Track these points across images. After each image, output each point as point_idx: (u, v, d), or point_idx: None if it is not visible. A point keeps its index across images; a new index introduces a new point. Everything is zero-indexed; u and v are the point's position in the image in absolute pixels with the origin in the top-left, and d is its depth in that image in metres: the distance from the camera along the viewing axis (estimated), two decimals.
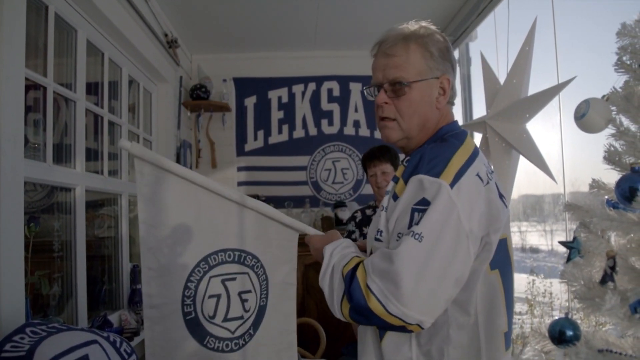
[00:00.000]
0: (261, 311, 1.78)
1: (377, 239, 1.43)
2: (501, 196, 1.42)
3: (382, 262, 1.27)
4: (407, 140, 1.55)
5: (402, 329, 1.27)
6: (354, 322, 1.36)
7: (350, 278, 1.31)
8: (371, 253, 1.45)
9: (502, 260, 1.40)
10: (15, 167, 1.89)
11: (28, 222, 2.10)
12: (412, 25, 1.56)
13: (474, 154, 1.41)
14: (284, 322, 1.87)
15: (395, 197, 1.38)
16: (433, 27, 1.58)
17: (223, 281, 1.64)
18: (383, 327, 1.34)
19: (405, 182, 1.35)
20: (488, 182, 1.37)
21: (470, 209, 1.29)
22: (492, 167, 1.54)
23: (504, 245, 1.41)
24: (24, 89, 1.99)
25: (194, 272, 1.55)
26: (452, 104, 1.61)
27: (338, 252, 1.45)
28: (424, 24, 1.58)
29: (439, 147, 1.40)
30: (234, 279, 1.65)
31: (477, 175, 1.35)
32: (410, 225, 1.28)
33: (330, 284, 1.38)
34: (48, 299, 2.51)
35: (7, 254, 1.81)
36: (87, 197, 2.80)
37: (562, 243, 1.53)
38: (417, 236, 1.24)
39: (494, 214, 1.35)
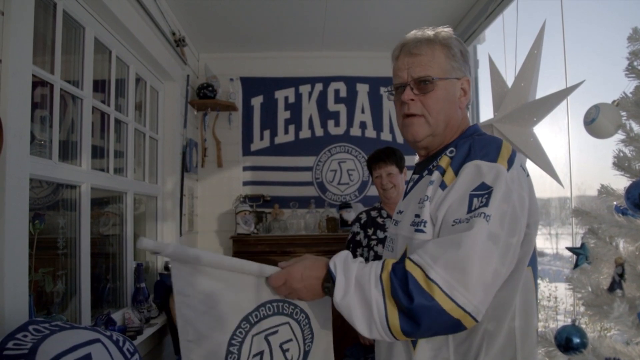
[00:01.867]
0: (306, 356, 1.69)
1: (418, 230, 1.38)
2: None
3: (445, 250, 1.22)
4: (432, 138, 1.55)
5: (457, 327, 1.22)
6: (403, 338, 1.25)
7: (402, 279, 1.22)
8: (405, 250, 1.41)
9: (534, 257, 1.41)
10: (21, 163, 1.89)
11: (33, 219, 2.10)
12: (432, 30, 1.61)
13: (515, 150, 1.43)
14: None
15: (443, 187, 1.36)
16: (453, 33, 1.62)
17: (266, 337, 1.55)
18: (435, 331, 1.26)
19: (456, 171, 1.36)
20: (528, 175, 1.43)
21: (520, 194, 1.32)
22: None
23: (532, 240, 1.41)
24: (31, 85, 1.99)
25: (235, 335, 1.47)
26: (468, 108, 1.64)
27: (351, 264, 1.32)
28: (444, 28, 1.63)
29: (484, 137, 1.45)
30: (276, 332, 1.57)
31: (521, 166, 1.39)
32: (470, 210, 1.26)
33: (362, 300, 1.25)
34: (52, 297, 2.50)
35: (11, 251, 1.80)
36: (93, 194, 2.80)
37: (569, 249, 1.51)
38: (487, 218, 1.23)
39: (534, 206, 1.38)
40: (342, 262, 1.32)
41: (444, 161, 1.42)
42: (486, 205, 1.24)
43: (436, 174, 1.41)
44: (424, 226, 1.36)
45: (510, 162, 1.33)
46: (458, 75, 1.54)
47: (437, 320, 1.19)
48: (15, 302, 1.82)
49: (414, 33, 1.63)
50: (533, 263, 1.40)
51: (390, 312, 1.21)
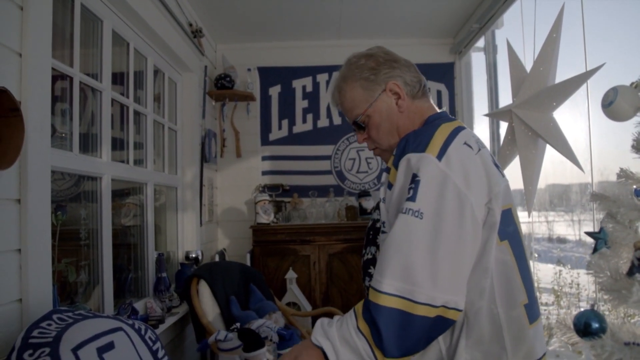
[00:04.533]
0: None
1: (383, 232, 1.42)
2: (497, 165, 1.43)
3: (384, 257, 1.26)
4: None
5: (442, 324, 1.25)
6: (407, 358, 1.27)
7: (372, 322, 1.24)
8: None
9: (511, 231, 1.38)
10: (43, 156, 1.92)
11: (55, 210, 2.13)
12: (343, 66, 1.66)
13: (459, 128, 1.42)
14: None
15: (390, 186, 1.39)
16: (361, 52, 1.65)
17: None
18: (426, 338, 1.27)
19: (397, 168, 1.37)
20: (479, 150, 1.38)
21: (466, 174, 1.28)
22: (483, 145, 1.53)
23: (509, 215, 1.39)
24: (50, 79, 2.01)
25: None
26: (422, 94, 1.61)
27: (328, 328, 1.33)
28: (352, 56, 1.66)
29: (421, 129, 1.46)
30: None
31: (466, 143, 1.36)
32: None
33: (352, 352, 1.27)
34: (75, 287, 2.55)
35: (35, 242, 1.84)
36: (113, 186, 2.83)
37: (588, 234, 1.50)
38: (415, 213, 1.24)
39: (492, 179, 1.34)
40: (322, 332, 1.33)
41: (390, 160, 1.44)
42: (412, 198, 1.26)
43: (384, 175, 1.45)
44: (384, 227, 1.41)
45: (446, 145, 1.31)
46: (381, 89, 1.56)
47: (418, 328, 1.22)
48: (39, 292, 1.86)
49: (331, 81, 1.73)
50: (510, 237, 1.37)
51: (378, 354, 1.24)
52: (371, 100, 1.55)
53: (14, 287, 1.77)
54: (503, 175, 1.43)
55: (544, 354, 1.41)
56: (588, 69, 2.65)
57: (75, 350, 1.63)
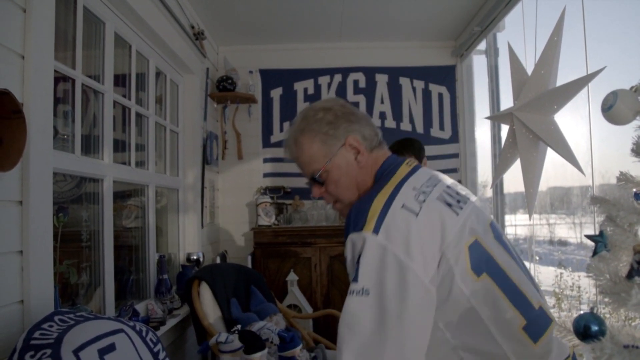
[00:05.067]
0: None
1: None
2: (450, 204, 1.40)
3: (341, 341, 1.27)
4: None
5: None
6: None
7: None
8: None
9: (484, 260, 1.36)
10: (45, 158, 1.93)
11: (57, 212, 2.14)
12: (298, 118, 1.64)
13: (398, 185, 1.41)
14: None
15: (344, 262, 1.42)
16: (318, 105, 1.64)
17: None
18: None
19: (345, 244, 1.39)
20: (422, 206, 1.34)
21: (406, 241, 1.27)
22: (438, 179, 1.51)
23: (477, 247, 1.36)
24: (53, 81, 2.02)
25: None
26: (379, 145, 1.62)
27: None
28: (308, 108, 1.65)
29: (360, 201, 1.43)
30: None
31: (404, 207, 1.33)
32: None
33: None
34: (76, 288, 2.55)
35: (36, 243, 1.84)
36: (115, 187, 2.84)
37: (588, 237, 1.51)
38: (360, 292, 1.26)
39: (443, 230, 1.32)
40: None
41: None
42: (355, 279, 1.28)
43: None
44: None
45: (382, 217, 1.30)
46: (340, 143, 1.55)
47: None
48: (40, 294, 1.86)
49: (286, 132, 1.66)
50: (486, 267, 1.35)
51: None
52: (330, 156, 1.54)
53: (16, 289, 1.78)
54: (457, 214, 1.39)
55: (568, 357, 1.42)
56: (589, 72, 2.66)
57: (76, 351, 1.63)
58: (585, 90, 2.73)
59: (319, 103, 1.65)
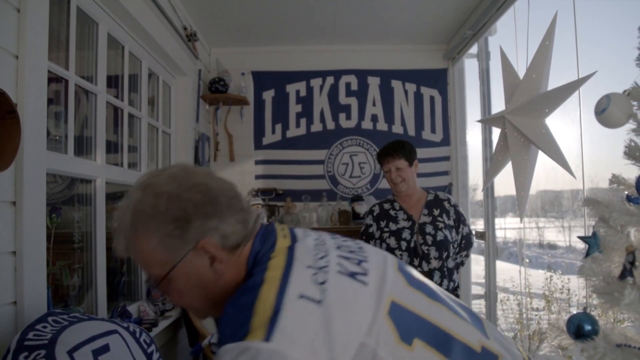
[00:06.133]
0: None
1: None
2: (354, 274, 1.10)
3: None
4: (214, 313, 1.23)
5: None
6: None
7: None
8: None
9: (410, 322, 1.09)
10: (39, 158, 1.92)
11: (50, 213, 2.13)
12: (132, 203, 1.15)
13: (288, 266, 1.07)
14: None
15: None
16: (161, 185, 1.14)
17: None
18: None
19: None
20: (324, 290, 1.02)
21: (312, 344, 0.95)
22: (324, 243, 1.20)
23: (397, 309, 1.08)
24: (46, 81, 2.02)
25: None
26: (244, 241, 1.18)
27: None
28: (146, 186, 1.16)
29: (236, 301, 1.03)
30: None
31: (302, 296, 1.00)
32: None
33: None
34: (68, 290, 2.54)
35: (29, 245, 1.84)
36: (106, 189, 2.83)
37: (581, 238, 1.52)
38: None
39: (357, 317, 1.02)
40: None
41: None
42: None
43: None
44: None
45: (275, 316, 0.95)
46: (188, 247, 1.12)
47: None
48: (34, 295, 1.86)
49: (115, 220, 1.20)
50: (417, 329, 1.08)
51: None
52: (173, 262, 1.13)
53: (9, 290, 1.77)
54: (366, 265, 1.14)
55: None
56: (580, 76, 2.68)
57: (71, 352, 1.63)
58: (576, 94, 2.76)
59: (163, 178, 1.16)
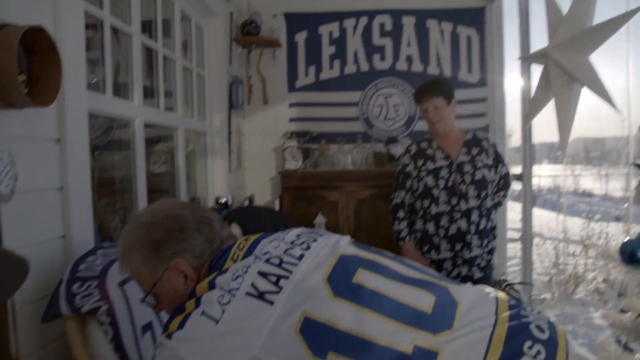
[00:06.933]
0: None
1: None
2: (262, 294, 1.14)
3: None
4: None
5: None
6: None
7: None
8: None
9: (325, 335, 1.09)
10: (80, 96, 1.95)
11: (92, 151, 2.16)
12: (127, 230, 1.40)
13: (210, 285, 1.19)
14: None
15: None
16: (143, 217, 1.38)
17: None
18: None
19: None
20: (224, 310, 1.11)
21: (202, 347, 1.08)
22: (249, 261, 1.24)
23: (310, 325, 1.10)
24: (84, 18, 2.02)
25: None
26: (209, 254, 1.35)
27: None
28: (134, 219, 1.40)
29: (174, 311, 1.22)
30: None
31: (204, 313, 1.12)
32: None
33: None
34: (109, 232, 2.60)
35: (75, 180, 1.88)
36: (144, 133, 2.85)
37: (636, 165, 1.49)
38: None
39: (243, 336, 1.09)
40: None
41: None
42: None
43: None
44: None
45: (184, 321, 1.12)
46: (164, 267, 1.32)
47: None
48: (81, 229, 1.92)
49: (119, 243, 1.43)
50: (339, 344, 1.08)
51: None
52: (155, 279, 1.33)
53: (58, 224, 1.83)
54: (287, 275, 1.19)
55: None
56: (629, 9, 2.58)
57: (121, 284, 1.69)
58: (624, 28, 2.65)
59: (146, 212, 1.41)
